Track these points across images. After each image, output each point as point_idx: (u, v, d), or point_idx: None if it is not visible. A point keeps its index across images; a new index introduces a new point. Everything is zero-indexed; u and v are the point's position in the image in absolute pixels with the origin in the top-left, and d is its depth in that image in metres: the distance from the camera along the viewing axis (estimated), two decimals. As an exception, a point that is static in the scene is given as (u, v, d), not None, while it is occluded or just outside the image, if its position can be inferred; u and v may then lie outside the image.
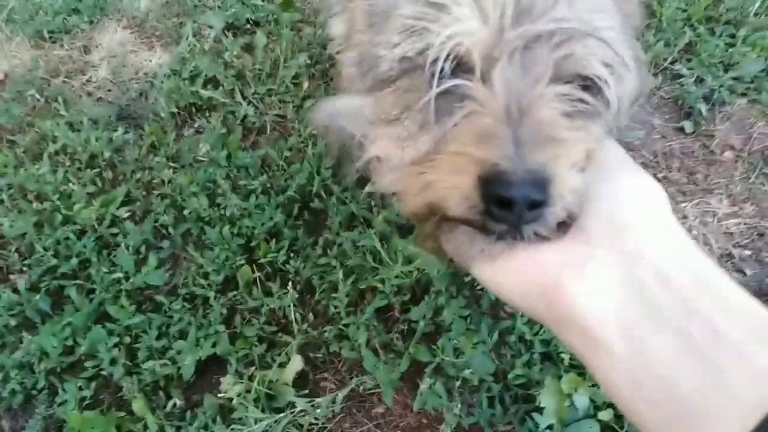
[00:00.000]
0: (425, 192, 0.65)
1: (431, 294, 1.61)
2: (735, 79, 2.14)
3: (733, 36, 2.26)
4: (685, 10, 2.36)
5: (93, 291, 1.67)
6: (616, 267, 0.54)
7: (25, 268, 1.73)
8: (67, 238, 1.74)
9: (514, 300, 0.63)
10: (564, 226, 0.62)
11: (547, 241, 0.61)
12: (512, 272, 0.62)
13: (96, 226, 1.76)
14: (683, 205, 1.93)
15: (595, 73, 0.65)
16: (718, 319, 0.49)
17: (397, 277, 1.62)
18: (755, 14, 2.32)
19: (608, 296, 0.53)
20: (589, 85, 0.67)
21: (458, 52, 0.65)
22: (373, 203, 1.78)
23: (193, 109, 2.14)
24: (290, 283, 1.68)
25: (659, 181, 1.94)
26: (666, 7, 2.33)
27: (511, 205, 0.57)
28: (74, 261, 1.70)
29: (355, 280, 1.65)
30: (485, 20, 0.64)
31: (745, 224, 1.90)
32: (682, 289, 0.51)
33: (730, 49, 2.21)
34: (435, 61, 0.65)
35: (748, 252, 1.84)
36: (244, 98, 2.13)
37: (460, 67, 0.66)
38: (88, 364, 1.56)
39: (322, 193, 1.85)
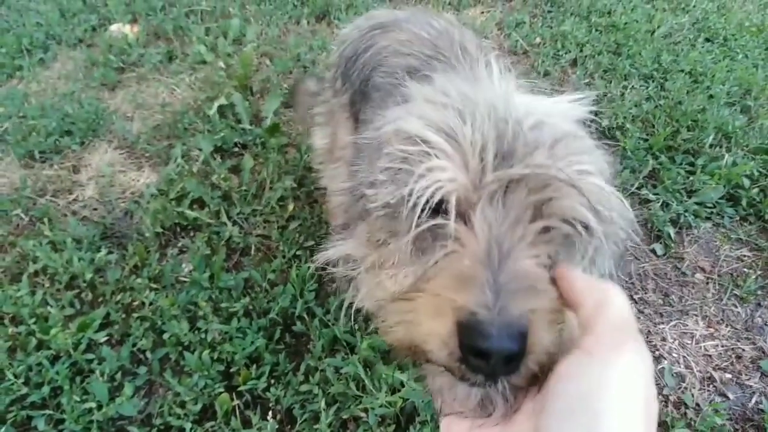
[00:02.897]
0: (407, 330, 0.65)
1: (416, 424, 1.57)
2: (698, 204, 2.27)
3: (692, 164, 2.42)
4: (646, 140, 2.53)
5: (62, 422, 1.59)
6: None
7: (-9, 398, 1.65)
8: (40, 365, 1.68)
9: None
10: (535, 380, 0.61)
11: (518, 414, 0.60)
12: None
13: (71, 351, 1.71)
14: (661, 326, 1.96)
15: (575, 215, 0.67)
16: None
17: (381, 406, 1.58)
18: (710, 145, 2.49)
19: None
20: (573, 225, 0.68)
21: (438, 197, 0.67)
22: (356, 327, 1.77)
23: (178, 229, 2.16)
24: (270, 412, 1.63)
25: (636, 302, 2.00)
26: (629, 137, 2.49)
27: (488, 356, 0.56)
28: (45, 389, 1.63)
29: (337, 409, 1.61)
30: (465, 166, 0.67)
31: (722, 346, 1.92)
32: None
33: (691, 177, 2.35)
34: (415, 206, 0.68)
35: (728, 375, 1.85)
36: (230, 218, 2.17)
37: (443, 206, 0.68)
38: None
39: (305, 316, 1.84)
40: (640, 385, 0.51)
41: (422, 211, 0.68)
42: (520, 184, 0.66)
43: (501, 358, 0.56)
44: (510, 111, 0.70)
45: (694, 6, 3.67)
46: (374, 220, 0.77)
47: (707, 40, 3.34)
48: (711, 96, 2.80)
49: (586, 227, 0.68)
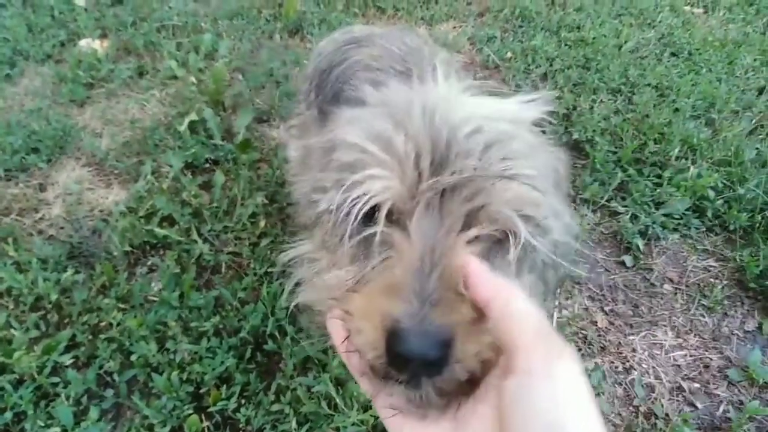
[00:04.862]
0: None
1: (388, 442, 1.56)
2: (666, 216, 2.31)
3: (659, 176, 2.47)
4: (615, 152, 2.57)
5: (25, 449, 1.55)
6: None
7: (-49, 425, 1.60)
8: (3, 389, 1.64)
9: None
10: (471, 384, 0.63)
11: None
12: None
13: (35, 375, 1.67)
14: (631, 338, 1.98)
15: (507, 223, 0.70)
16: None
17: (353, 424, 1.57)
18: (677, 157, 2.54)
19: None
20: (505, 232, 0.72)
21: (372, 204, 0.71)
22: (328, 344, 1.76)
23: (147, 247, 2.13)
24: (241, 433, 1.61)
25: (606, 314, 2.02)
26: (598, 150, 2.53)
27: (409, 361, 0.60)
28: (8, 414, 1.59)
29: (309, 429, 1.59)
30: (401, 174, 0.70)
31: (691, 356, 1.95)
32: None
33: (658, 189, 2.40)
34: (349, 214, 0.72)
35: (696, 384, 1.87)
36: (200, 236, 2.14)
37: (377, 214, 0.72)
38: None
39: (276, 334, 1.82)
40: (584, 384, 0.52)
41: (358, 217, 0.72)
42: (454, 191, 0.69)
43: (420, 364, 0.60)
44: (447, 117, 0.74)
45: (660, 21, 3.76)
46: (325, 224, 0.80)
47: (673, 54, 3.42)
48: (677, 109, 2.87)
49: (515, 234, 0.72)
